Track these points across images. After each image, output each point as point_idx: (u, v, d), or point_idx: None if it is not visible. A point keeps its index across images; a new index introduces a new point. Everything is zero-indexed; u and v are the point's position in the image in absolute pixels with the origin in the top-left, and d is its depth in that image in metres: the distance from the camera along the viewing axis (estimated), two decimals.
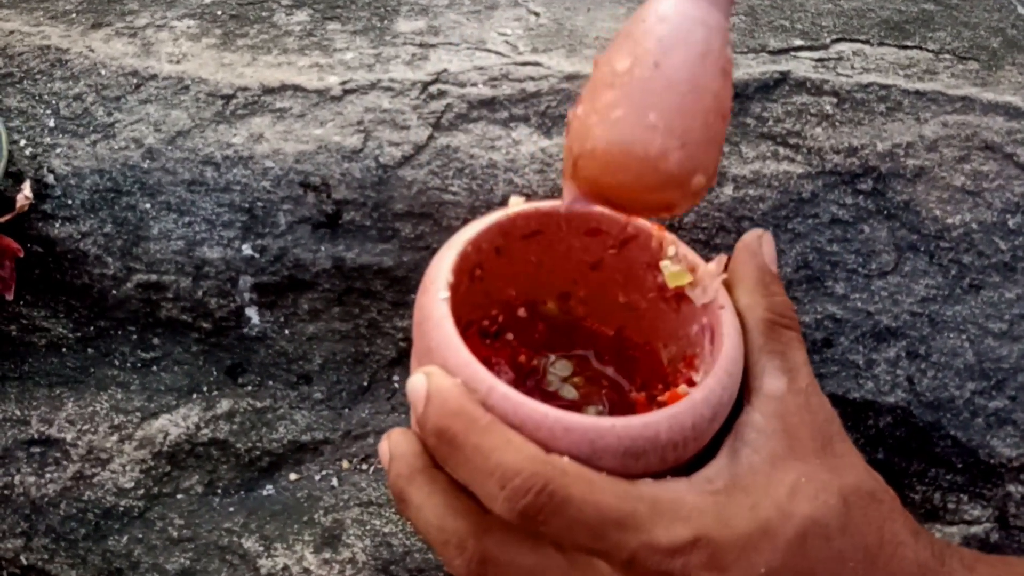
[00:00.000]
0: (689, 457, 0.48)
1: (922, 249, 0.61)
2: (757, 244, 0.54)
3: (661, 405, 0.51)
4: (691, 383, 0.52)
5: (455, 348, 0.47)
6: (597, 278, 0.56)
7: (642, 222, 0.54)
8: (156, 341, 0.66)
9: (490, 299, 0.57)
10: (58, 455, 0.64)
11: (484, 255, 0.54)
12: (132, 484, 0.64)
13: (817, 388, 0.50)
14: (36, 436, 0.65)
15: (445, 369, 0.47)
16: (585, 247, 0.55)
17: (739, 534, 0.45)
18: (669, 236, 0.54)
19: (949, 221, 0.61)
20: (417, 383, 0.47)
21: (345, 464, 0.65)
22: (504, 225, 0.53)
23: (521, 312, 0.58)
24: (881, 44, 0.67)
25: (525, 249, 0.55)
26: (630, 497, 0.45)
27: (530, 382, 0.57)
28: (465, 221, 0.62)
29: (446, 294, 0.49)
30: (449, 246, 0.52)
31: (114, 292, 0.64)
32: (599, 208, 0.52)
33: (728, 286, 0.53)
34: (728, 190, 0.61)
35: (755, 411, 0.49)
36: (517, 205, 0.54)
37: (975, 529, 0.60)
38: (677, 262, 0.53)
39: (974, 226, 0.61)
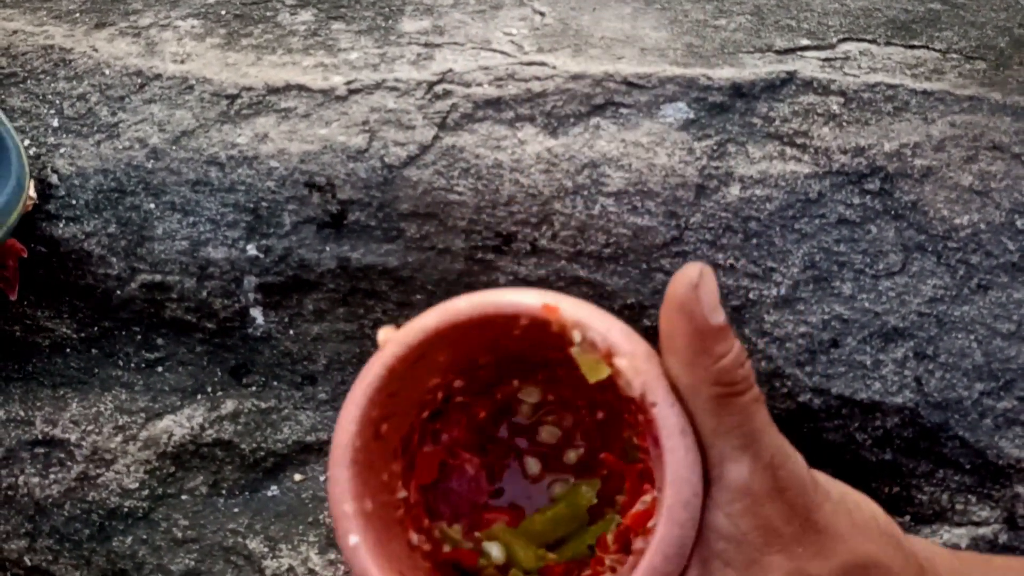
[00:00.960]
0: None
1: (930, 249, 0.61)
2: (690, 295, 0.44)
3: (628, 525, 0.48)
4: (650, 477, 0.47)
5: None
6: (517, 343, 0.50)
7: (532, 308, 0.47)
8: (160, 341, 0.65)
9: (416, 401, 0.51)
10: (62, 456, 0.64)
11: (378, 416, 0.48)
12: (136, 485, 0.64)
13: (781, 449, 0.45)
14: (40, 437, 0.65)
15: None
16: (483, 333, 0.49)
17: None
18: (571, 317, 0.46)
19: (957, 221, 0.61)
20: None
21: None
22: (383, 382, 0.48)
23: (458, 383, 0.53)
24: (888, 44, 0.67)
25: (421, 366, 0.49)
26: None
27: (502, 427, 0.54)
28: (470, 223, 0.61)
29: (356, 539, 0.46)
30: (336, 451, 0.47)
31: (118, 292, 0.64)
32: (481, 302, 0.47)
33: (663, 353, 0.46)
34: (735, 190, 0.61)
35: (719, 511, 0.44)
36: (388, 343, 0.48)
37: (983, 530, 0.60)
38: (587, 350, 0.46)
39: (982, 226, 0.60)
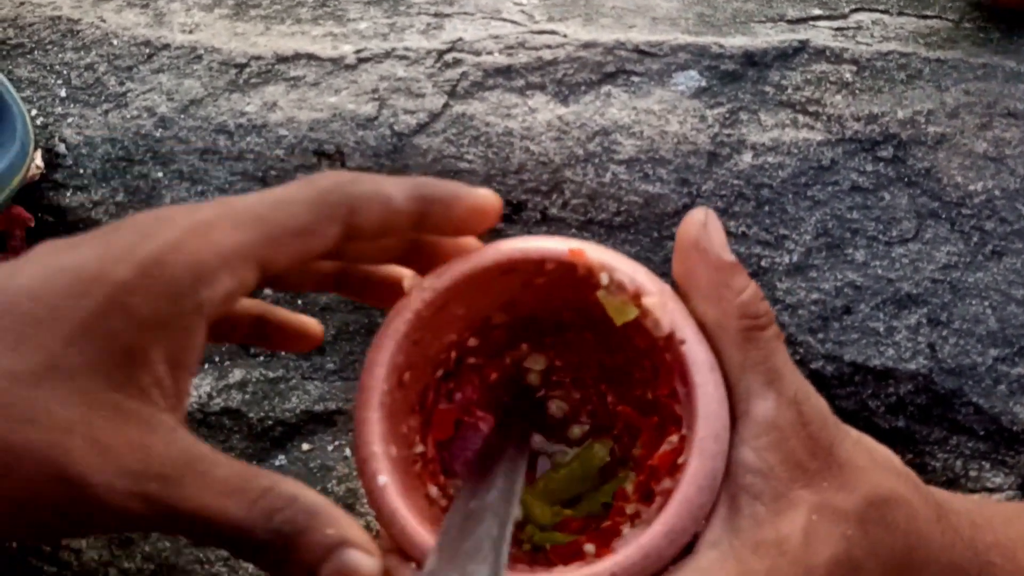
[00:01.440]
0: (695, 538, 0.44)
1: (943, 216, 0.60)
2: (703, 234, 0.46)
3: (651, 470, 0.48)
4: (676, 419, 0.47)
5: (419, 548, 0.44)
6: (535, 290, 0.50)
7: (559, 252, 0.47)
8: None
9: (433, 357, 0.51)
10: None
11: (402, 363, 0.48)
12: None
13: (804, 385, 0.45)
14: None
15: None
16: (508, 281, 0.49)
17: None
18: (598, 260, 0.47)
19: (971, 188, 0.60)
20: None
21: None
22: (410, 327, 0.47)
23: (472, 341, 0.52)
24: (900, 14, 0.66)
25: (442, 317, 0.49)
26: None
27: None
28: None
29: (384, 479, 0.45)
30: (364, 393, 0.47)
31: None
32: (508, 248, 0.47)
33: (683, 294, 0.46)
34: (747, 157, 0.61)
35: (747, 446, 0.44)
36: (414, 288, 0.48)
37: (997, 497, 0.59)
38: (615, 292, 0.47)
39: (996, 192, 0.60)
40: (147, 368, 0.39)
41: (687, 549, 0.44)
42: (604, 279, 0.46)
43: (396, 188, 0.44)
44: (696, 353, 0.45)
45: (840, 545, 0.43)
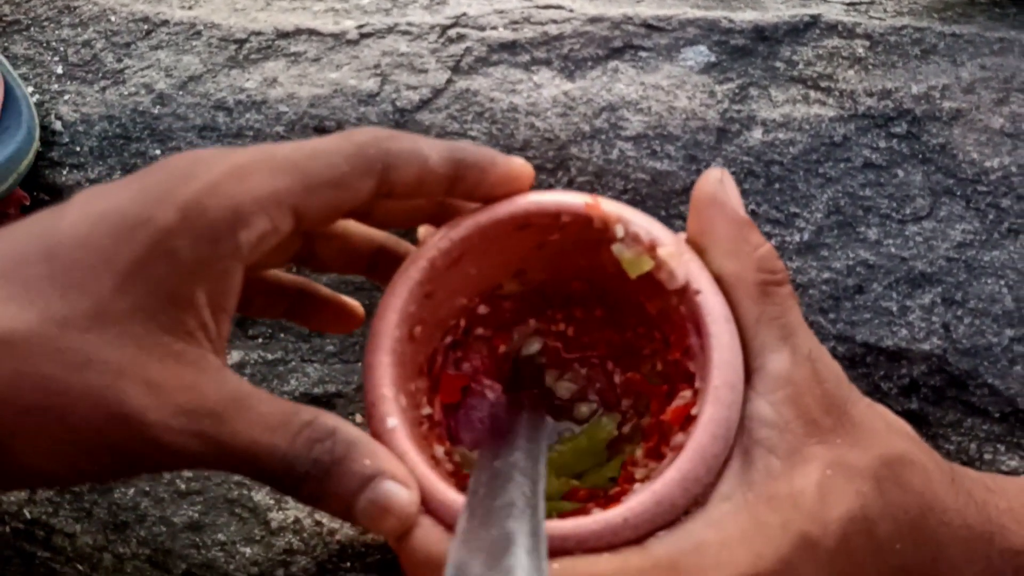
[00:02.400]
0: (708, 489, 0.44)
1: (958, 193, 0.59)
2: (721, 190, 0.47)
3: (663, 425, 0.47)
4: (688, 376, 0.47)
5: (429, 491, 0.43)
6: (548, 253, 0.50)
7: (575, 205, 0.47)
8: None
9: (442, 320, 0.51)
10: None
11: (415, 313, 0.48)
12: None
13: (818, 345, 0.46)
14: None
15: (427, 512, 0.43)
16: (522, 239, 0.49)
17: (776, 562, 0.41)
18: (614, 212, 0.47)
19: (987, 164, 0.59)
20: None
21: (358, 417, 0.63)
22: (424, 275, 0.47)
23: (482, 309, 0.52)
24: None
25: (455, 273, 0.49)
26: (646, 570, 0.41)
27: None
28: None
29: (395, 422, 0.44)
30: (376, 338, 0.46)
31: None
32: (524, 201, 0.47)
33: (699, 248, 0.47)
34: (757, 134, 0.60)
35: (762, 399, 0.44)
36: (429, 237, 0.48)
37: None
38: (630, 244, 0.47)
39: (1013, 169, 0.59)
40: (193, 311, 0.40)
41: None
42: (619, 231, 0.47)
43: (433, 149, 0.45)
44: (711, 303, 0.45)
45: (855, 502, 0.43)
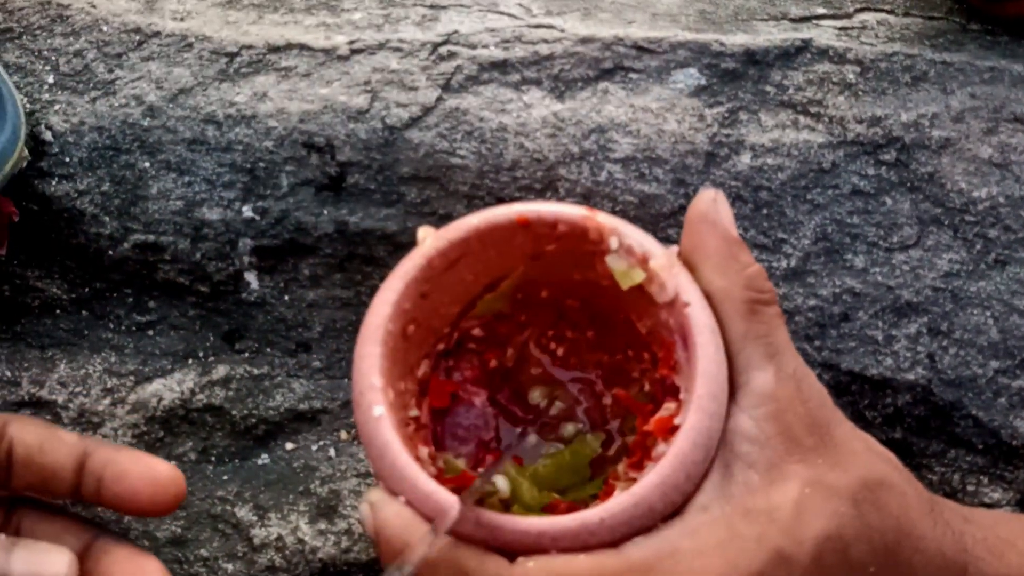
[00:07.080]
0: (687, 499, 0.45)
1: (946, 223, 0.59)
2: (714, 209, 0.48)
3: (647, 438, 0.48)
4: (674, 390, 0.48)
5: (410, 481, 0.44)
6: (543, 264, 0.51)
7: (572, 214, 0.48)
8: (152, 304, 0.64)
9: (436, 325, 0.52)
10: (49, 417, 0.63)
11: (409, 310, 0.49)
12: None
13: (803, 365, 0.47)
14: (27, 398, 0.63)
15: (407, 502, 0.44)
16: (519, 247, 0.50)
17: (750, 574, 0.42)
18: (609, 224, 0.48)
19: (975, 194, 0.59)
20: (364, 515, 0.45)
21: (343, 434, 0.63)
22: (421, 274, 0.48)
23: (477, 332, 0.54)
24: (906, 14, 0.65)
25: (452, 277, 0.50)
26: (620, 574, 0.42)
27: (507, 390, 0.54)
28: (472, 187, 0.60)
29: (381, 410, 0.45)
30: (368, 330, 0.47)
31: (110, 253, 0.63)
32: (522, 207, 0.48)
33: (690, 265, 0.48)
34: (746, 159, 0.60)
35: (744, 415, 0.45)
36: (428, 238, 0.49)
37: None
38: (624, 256, 0.48)
39: (1001, 200, 0.59)
40: None
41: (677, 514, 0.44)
42: (614, 243, 0.48)
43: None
44: (699, 316, 0.46)
45: (831, 521, 0.43)
